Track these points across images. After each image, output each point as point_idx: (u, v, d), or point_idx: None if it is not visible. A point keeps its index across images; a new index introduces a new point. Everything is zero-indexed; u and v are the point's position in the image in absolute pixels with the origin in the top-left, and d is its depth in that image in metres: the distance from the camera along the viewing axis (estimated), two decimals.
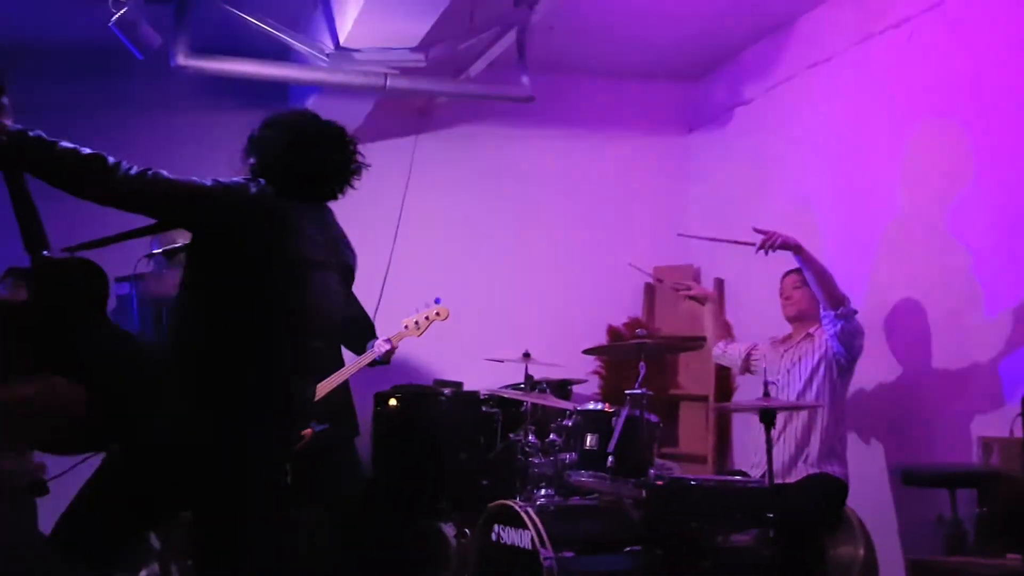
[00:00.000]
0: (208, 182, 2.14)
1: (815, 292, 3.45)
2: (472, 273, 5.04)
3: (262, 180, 2.21)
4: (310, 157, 2.26)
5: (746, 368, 3.83)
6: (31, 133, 2.02)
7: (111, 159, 2.05)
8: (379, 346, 3.76)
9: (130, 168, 2.05)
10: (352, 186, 2.34)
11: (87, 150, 2.04)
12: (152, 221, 2.23)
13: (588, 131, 5.37)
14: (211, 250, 2.17)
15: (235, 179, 2.20)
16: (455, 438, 4.35)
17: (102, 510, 2.11)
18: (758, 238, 3.36)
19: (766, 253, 3.37)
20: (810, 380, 3.48)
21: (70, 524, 2.10)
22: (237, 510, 2.14)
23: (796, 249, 3.36)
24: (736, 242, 3.49)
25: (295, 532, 3.84)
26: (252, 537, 2.16)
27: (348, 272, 2.38)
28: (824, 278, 3.39)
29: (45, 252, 2.23)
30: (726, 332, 3.95)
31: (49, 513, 2.84)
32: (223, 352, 2.12)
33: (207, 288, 2.17)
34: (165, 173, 2.10)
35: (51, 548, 2.11)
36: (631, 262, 4.06)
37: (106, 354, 2.23)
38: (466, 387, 4.60)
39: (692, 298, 3.94)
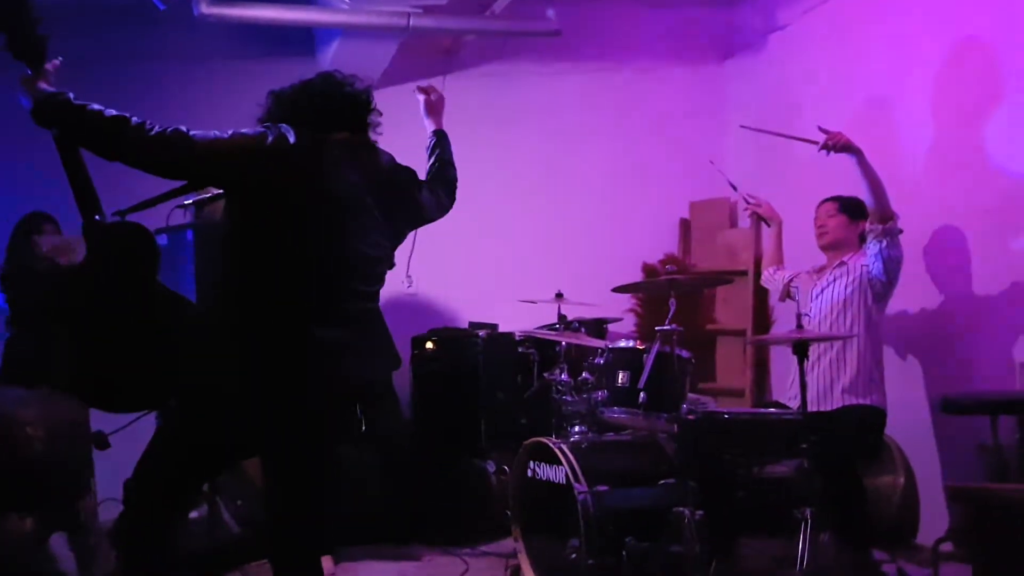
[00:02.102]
0: (227, 135, 2.12)
1: (867, 201, 3.40)
2: (505, 214, 5.02)
3: (282, 125, 2.19)
4: (316, 90, 2.28)
5: (786, 294, 3.84)
6: (61, 96, 2.04)
7: (135, 120, 2.03)
8: None
9: (152, 128, 2.03)
10: (370, 113, 2.33)
11: (112, 112, 2.03)
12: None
13: (618, 63, 5.25)
14: (240, 202, 2.18)
15: (256, 128, 2.18)
16: (492, 378, 4.39)
17: (168, 464, 2.18)
18: (821, 137, 3.34)
19: (828, 153, 3.36)
20: (844, 308, 3.44)
21: (141, 479, 2.18)
22: (295, 453, 2.17)
23: (858, 153, 3.33)
24: (800, 139, 3.47)
25: (340, 469, 3.94)
26: (314, 475, 2.21)
27: (397, 209, 2.36)
28: (878, 189, 3.35)
29: (97, 216, 2.28)
30: (780, 259, 3.93)
31: (110, 466, 2.96)
32: (262, 301, 2.14)
33: (243, 240, 2.17)
34: (185, 129, 2.07)
35: (125, 503, 2.19)
36: (711, 159, 3.99)
37: (159, 314, 2.28)
38: (501, 329, 4.63)
39: (759, 216, 3.92)
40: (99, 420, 2.84)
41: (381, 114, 2.38)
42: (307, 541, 2.21)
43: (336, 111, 2.28)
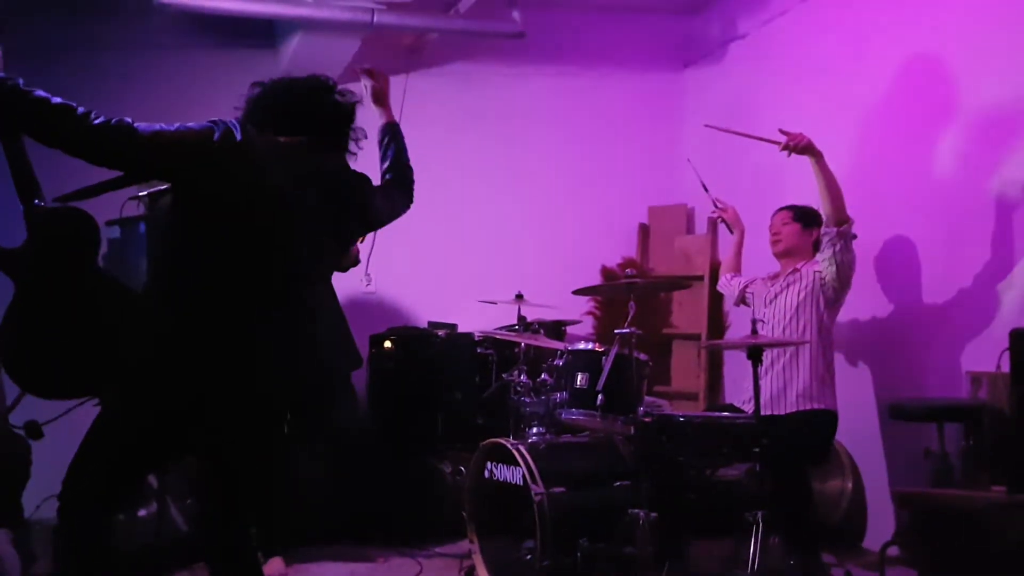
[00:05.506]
0: (172, 128, 2.09)
1: (823, 204, 3.46)
2: (465, 214, 5.01)
3: (229, 120, 2.17)
4: (289, 93, 2.27)
5: (740, 300, 3.90)
6: (9, 82, 2.00)
7: (80, 109, 2.01)
8: None
9: (97, 118, 2.01)
10: (345, 122, 2.32)
11: (58, 100, 2.01)
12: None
13: (580, 68, 5.28)
14: (183, 194, 2.16)
15: (201, 123, 2.15)
16: (450, 378, 4.38)
17: (104, 456, 2.13)
18: (783, 139, 3.41)
19: (788, 154, 3.43)
20: (797, 313, 3.50)
21: (77, 471, 2.13)
22: (232, 448, 2.15)
23: (818, 156, 3.40)
24: (762, 139, 3.53)
25: (293, 467, 3.90)
26: (251, 473, 2.19)
27: (344, 211, 2.34)
28: (835, 191, 3.42)
29: (37, 201, 2.25)
30: (738, 267, 3.99)
31: (45, 456, 2.89)
32: (204, 291, 2.13)
33: (186, 231, 2.16)
34: (129, 120, 2.05)
35: (61, 495, 2.13)
36: (688, 157, 4.03)
37: (97, 300, 2.26)
38: (460, 329, 4.62)
39: (724, 221, 3.98)
40: (36, 411, 2.77)
41: (365, 136, 2.36)
42: (244, 540, 2.18)
43: (310, 116, 2.26)
